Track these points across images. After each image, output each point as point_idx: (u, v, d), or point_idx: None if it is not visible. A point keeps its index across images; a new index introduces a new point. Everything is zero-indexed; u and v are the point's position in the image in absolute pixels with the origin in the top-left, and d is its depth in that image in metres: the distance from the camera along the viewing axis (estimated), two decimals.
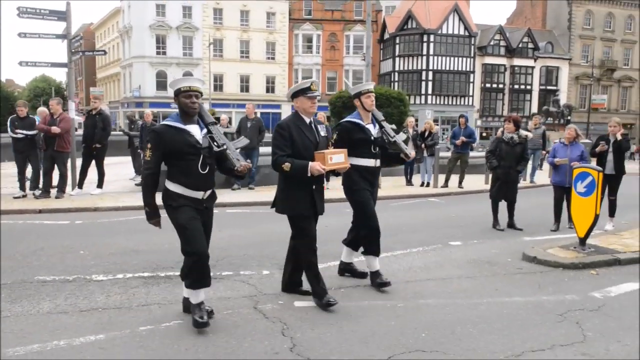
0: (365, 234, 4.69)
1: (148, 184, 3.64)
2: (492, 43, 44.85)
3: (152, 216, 3.71)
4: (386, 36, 45.03)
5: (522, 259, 5.86)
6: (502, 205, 7.94)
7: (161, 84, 42.21)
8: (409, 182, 13.19)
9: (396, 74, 43.54)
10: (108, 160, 11.74)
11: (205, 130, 3.66)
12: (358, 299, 4.40)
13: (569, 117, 40.63)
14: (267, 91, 45.24)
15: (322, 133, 4.23)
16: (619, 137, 7.62)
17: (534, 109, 42.98)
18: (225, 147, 3.60)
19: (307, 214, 4.14)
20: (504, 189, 7.67)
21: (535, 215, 8.96)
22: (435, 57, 42.62)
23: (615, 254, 5.95)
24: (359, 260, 5.08)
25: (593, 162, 7.71)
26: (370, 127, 4.66)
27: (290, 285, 4.49)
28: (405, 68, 43.35)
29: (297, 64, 45.58)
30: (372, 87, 4.80)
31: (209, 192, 3.74)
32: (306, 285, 4.36)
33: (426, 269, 5.39)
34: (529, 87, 46.02)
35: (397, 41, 43.64)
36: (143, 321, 3.82)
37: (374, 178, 4.79)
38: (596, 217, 5.90)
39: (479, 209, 9.00)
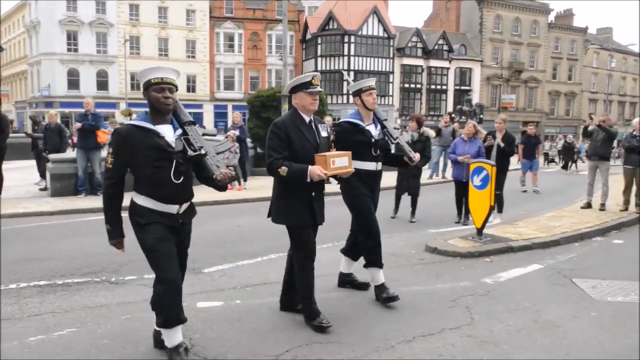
0: (364, 243, 4.36)
1: (110, 196, 3.07)
2: (409, 45, 46.44)
3: (114, 236, 3.09)
4: (308, 36, 45.40)
5: (425, 250, 6.16)
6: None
7: (73, 83, 40.05)
8: (327, 181, 13.39)
9: (318, 73, 43.99)
10: (11, 165, 11.08)
11: (180, 131, 3.08)
12: (264, 296, 4.44)
13: (481, 116, 42.87)
14: (188, 90, 44.12)
15: (323, 133, 3.83)
16: (502, 145, 8.28)
17: (450, 108, 45.01)
18: (202, 151, 3.01)
19: (307, 223, 3.73)
20: (405, 183, 8.21)
21: (444, 208, 9.42)
22: (356, 58, 43.53)
23: (509, 242, 6.41)
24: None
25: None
26: (371, 127, 4.31)
27: (287, 305, 4.05)
28: (327, 68, 43.89)
29: (219, 62, 44.91)
30: (374, 84, 4.40)
31: (185, 205, 3.17)
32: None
33: (334, 263, 5.49)
34: (444, 87, 48.14)
35: (319, 41, 44.15)
36: (34, 331, 3.65)
37: (375, 183, 4.40)
38: (491, 208, 6.32)
39: (391, 205, 9.32)
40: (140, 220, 3.06)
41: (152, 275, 4.93)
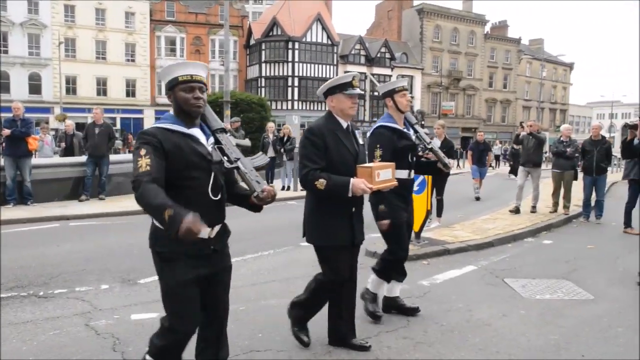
0: (394, 254, 4.07)
1: (154, 189, 2.21)
2: (353, 52, 47.18)
3: (181, 215, 2.05)
4: (252, 42, 45.21)
5: (365, 254, 6.23)
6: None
7: (3, 86, 37.86)
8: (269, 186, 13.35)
9: (263, 79, 43.91)
10: None
11: (212, 139, 2.54)
12: None
13: (422, 122, 44.04)
14: (128, 95, 42.85)
15: (361, 141, 3.46)
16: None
17: None
18: (239, 164, 2.44)
19: (345, 242, 3.35)
20: None
21: None
22: (301, 64, 43.77)
23: (445, 245, 6.62)
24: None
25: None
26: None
27: (338, 337, 3.59)
28: (272, 74, 43.92)
29: (160, 67, 43.77)
30: (406, 84, 4.04)
31: (217, 227, 2.55)
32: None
33: (273, 270, 5.51)
34: None
35: (263, 47, 44.06)
36: None
37: (409, 193, 4.05)
38: (428, 212, 6.51)
39: None
40: (163, 250, 2.43)
41: (85, 288, 4.81)
